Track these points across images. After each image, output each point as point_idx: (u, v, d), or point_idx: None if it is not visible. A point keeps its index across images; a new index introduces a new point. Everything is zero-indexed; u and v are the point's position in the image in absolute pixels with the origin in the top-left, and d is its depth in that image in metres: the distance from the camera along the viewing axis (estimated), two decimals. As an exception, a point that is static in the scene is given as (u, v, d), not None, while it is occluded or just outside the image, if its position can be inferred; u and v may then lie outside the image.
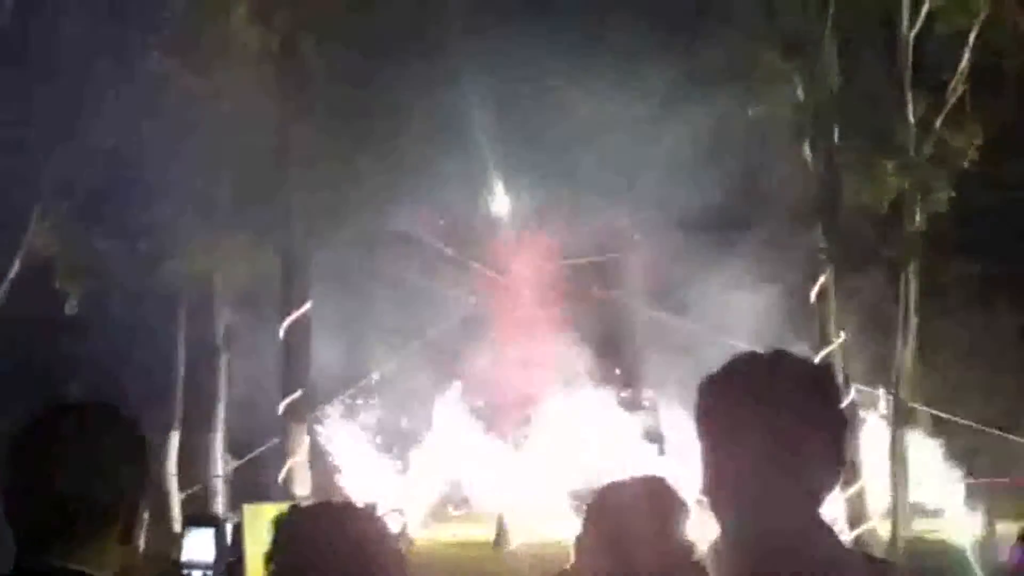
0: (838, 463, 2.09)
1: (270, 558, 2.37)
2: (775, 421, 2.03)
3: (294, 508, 2.45)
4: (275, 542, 2.38)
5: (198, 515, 19.00)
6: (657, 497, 2.71)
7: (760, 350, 2.19)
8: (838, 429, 2.12)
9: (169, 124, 19.73)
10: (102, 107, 19.23)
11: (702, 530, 2.52)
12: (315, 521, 2.40)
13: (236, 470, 25.24)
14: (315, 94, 20.85)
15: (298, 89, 20.70)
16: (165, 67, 20.15)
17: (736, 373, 2.11)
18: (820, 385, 2.13)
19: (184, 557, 12.08)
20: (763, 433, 2.02)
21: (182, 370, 24.67)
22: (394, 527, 13.26)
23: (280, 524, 2.39)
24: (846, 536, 19.00)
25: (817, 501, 2.07)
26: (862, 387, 21.19)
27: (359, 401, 25.75)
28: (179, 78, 20.07)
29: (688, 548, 2.62)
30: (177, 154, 20.05)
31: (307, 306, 21.45)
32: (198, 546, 12.05)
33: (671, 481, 2.76)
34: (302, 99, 20.65)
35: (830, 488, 2.07)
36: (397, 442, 25.82)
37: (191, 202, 20.84)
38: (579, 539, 2.77)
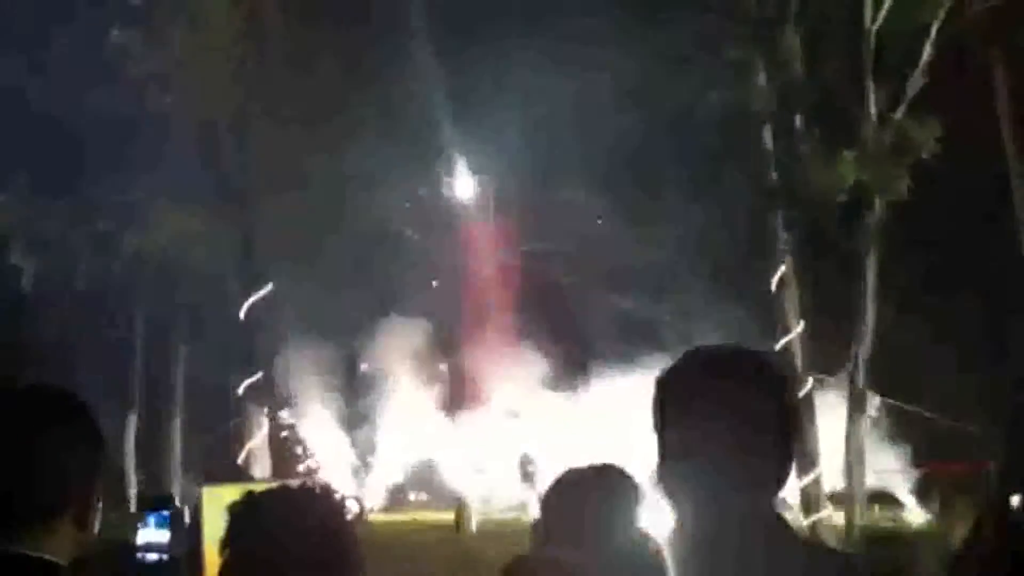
0: (791, 456, 2.13)
1: (225, 544, 2.33)
2: (730, 416, 2.06)
3: (250, 492, 2.41)
4: (230, 527, 2.34)
5: (153, 497, 18.89)
6: (613, 485, 2.71)
7: (718, 343, 2.23)
8: (791, 424, 2.16)
9: (126, 97, 19.50)
10: (57, 78, 18.95)
11: (658, 519, 2.54)
12: (271, 505, 2.36)
13: (195, 452, 25.08)
14: (275, 67, 20.67)
15: (258, 61, 20.51)
16: (123, 38, 19.93)
17: (693, 368, 2.14)
18: (775, 381, 2.17)
19: (140, 540, 12.00)
20: (718, 427, 2.06)
21: (141, 351, 24.45)
22: (351, 512, 13.26)
23: (235, 509, 2.35)
24: (802, 523, 19.19)
25: (771, 493, 2.11)
26: (820, 375, 21.38)
27: (319, 384, 25.65)
28: (137, 49, 19.85)
29: (643, 537, 2.62)
30: (135, 129, 19.83)
31: (268, 287, 21.35)
32: (153, 528, 11.98)
33: (627, 468, 2.77)
34: (262, 71, 20.46)
35: (783, 480, 2.11)
36: (357, 425, 25.79)
37: (150, 178, 20.62)
38: (535, 526, 2.77)
